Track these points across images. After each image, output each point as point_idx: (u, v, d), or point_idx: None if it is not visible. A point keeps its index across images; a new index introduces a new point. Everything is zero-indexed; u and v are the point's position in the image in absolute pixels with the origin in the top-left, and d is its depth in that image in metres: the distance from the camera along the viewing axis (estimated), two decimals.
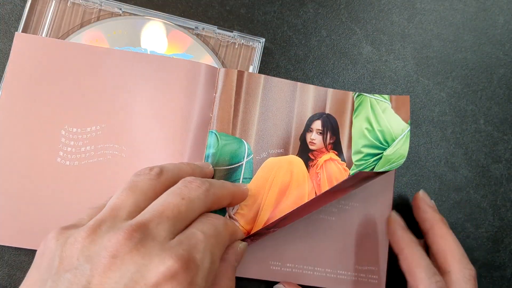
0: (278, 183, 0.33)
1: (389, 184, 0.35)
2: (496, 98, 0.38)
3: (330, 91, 0.35)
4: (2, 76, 0.32)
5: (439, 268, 0.29)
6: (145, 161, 0.32)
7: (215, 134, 0.33)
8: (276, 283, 0.33)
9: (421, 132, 0.37)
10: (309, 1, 0.38)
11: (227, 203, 0.30)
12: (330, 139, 0.34)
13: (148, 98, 0.33)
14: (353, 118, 0.35)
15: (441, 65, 0.38)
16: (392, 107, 0.35)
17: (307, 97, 0.35)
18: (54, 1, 0.34)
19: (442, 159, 0.37)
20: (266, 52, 0.37)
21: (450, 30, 0.39)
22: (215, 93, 0.34)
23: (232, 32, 0.36)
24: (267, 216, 0.32)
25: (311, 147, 0.34)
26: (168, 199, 0.24)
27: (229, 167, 0.33)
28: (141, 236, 0.21)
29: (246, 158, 0.33)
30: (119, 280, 0.19)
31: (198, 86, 0.33)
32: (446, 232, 0.30)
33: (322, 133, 0.34)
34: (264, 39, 0.36)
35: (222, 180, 0.31)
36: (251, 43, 0.36)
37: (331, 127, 0.34)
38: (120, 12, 0.35)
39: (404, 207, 0.36)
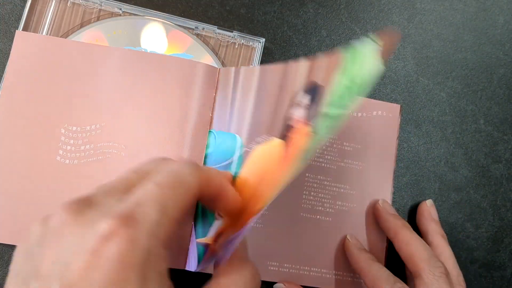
0: (259, 173, 0.31)
1: (388, 185, 0.35)
2: (496, 98, 0.38)
3: (321, 58, 0.31)
4: (2, 76, 0.32)
5: (412, 273, 0.30)
6: (145, 160, 0.32)
7: (213, 133, 0.33)
8: (275, 282, 0.33)
9: (421, 132, 0.37)
10: (309, 1, 0.38)
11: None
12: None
13: (147, 96, 0.33)
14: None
15: (441, 65, 0.38)
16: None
17: (298, 73, 0.32)
18: (54, 1, 0.34)
19: (442, 159, 0.37)
20: (266, 52, 0.37)
21: (450, 30, 0.39)
22: (215, 93, 0.34)
23: (232, 32, 0.36)
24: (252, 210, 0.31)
25: (289, 122, 0.31)
26: (120, 176, 0.22)
27: (223, 164, 0.32)
28: (82, 207, 0.19)
29: (238, 153, 0.32)
30: (60, 255, 0.18)
31: (196, 86, 0.33)
32: (410, 237, 0.31)
33: (300, 104, 0.31)
34: (264, 39, 0.36)
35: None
36: (251, 43, 0.36)
37: (314, 96, 0.31)
38: (120, 12, 0.35)
39: (401, 208, 0.36)
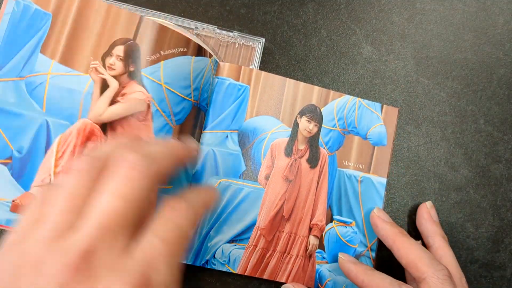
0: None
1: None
2: (496, 98, 0.38)
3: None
4: None
5: (415, 279, 0.30)
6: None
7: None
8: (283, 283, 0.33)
9: (421, 132, 0.37)
10: (309, 1, 0.38)
11: (175, 168, 0.26)
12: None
13: None
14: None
15: (441, 65, 0.38)
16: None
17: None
18: None
19: (442, 159, 0.37)
20: (266, 52, 0.37)
21: (450, 30, 0.39)
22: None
23: (232, 32, 0.36)
24: None
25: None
26: (110, 205, 0.20)
27: None
28: (90, 265, 0.19)
29: None
30: None
31: None
32: (409, 243, 0.31)
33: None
34: (264, 39, 0.36)
35: (163, 141, 0.27)
36: (251, 43, 0.36)
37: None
38: None
39: (401, 208, 0.36)
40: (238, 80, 0.35)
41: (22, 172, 0.30)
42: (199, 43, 0.35)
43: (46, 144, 0.30)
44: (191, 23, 0.35)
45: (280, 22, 0.37)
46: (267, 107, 0.35)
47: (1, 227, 0.30)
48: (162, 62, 0.32)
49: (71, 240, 0.20)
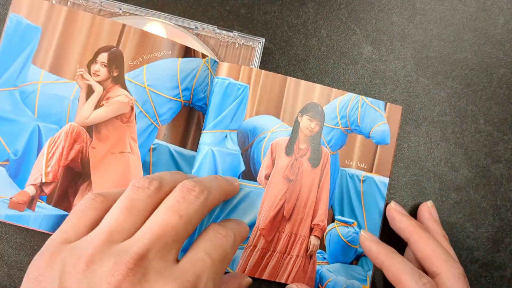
0: None
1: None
2: (496, 98, 0.38)
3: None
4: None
5: (428, 273, 0.30)
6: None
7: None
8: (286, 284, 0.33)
9: (421, 132, 0.37)
10: (309, 1, 0.38)
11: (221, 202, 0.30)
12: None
13: None
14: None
15: (441, 65, 0.38)
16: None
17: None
18: (54, 1, 0.34)
19: (442, 159, 0.37)
20: (266, 52, 0.37)
21: (450, 30, 0.39)
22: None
23: (232, 32, 0.36)
24: None
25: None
26: (166, 219, 0.23)
27: None
28: (143, 270, 0.20)
29: None
30: None
31: None
32: (427, 237, 0.31)
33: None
34: (264, 39, 0.36)
35: (214, 177, 0.30)
36: (251, 43, 0.36)
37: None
38: (120, 12, 0.35)
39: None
40: (238, 79, 0.35)
41: (18, 172, 0.32)
42: (197, 44, 0.35)
43: (38, 146, 0.33)
44: (191, 23, 0.35)
45: (280, 22, 0.37)
46: (267, 106, 0.35)
47: (1, 221, 0.32)
48: (145, 65, 0.34)
49: (126, 245, 0.21)
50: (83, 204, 0.25)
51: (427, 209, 0.34)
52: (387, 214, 0.34)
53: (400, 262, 0.29)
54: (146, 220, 0.23)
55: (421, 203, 0.35)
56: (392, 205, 0.34)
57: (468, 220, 0.37)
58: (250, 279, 0.30)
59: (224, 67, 0.35)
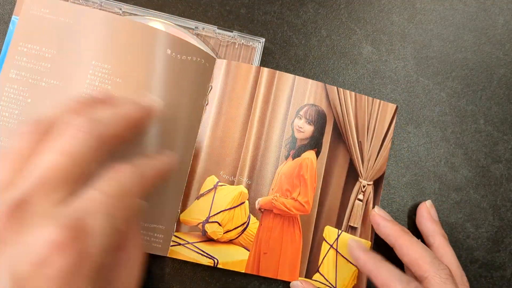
0: None
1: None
2: (496, 98, 0.38)
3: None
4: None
5: (417, 277, 0.30)
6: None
7: None
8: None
9: (421, 132, 0.37)
10: (309, 1, 0.38)
11: (128, 132, 0.24)
12: None
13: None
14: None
15: (441, 65, 0.38)
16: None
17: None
18: None
19: (442, 159, 0.37)
20: (266, 52, 0.37)
21: (450, 30, 0.39)
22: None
23: (232, 32, 0.36)
24: None
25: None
26: (48, 159, 0.20)
27: None
28: (22, 213, 0.19)
29: None
30: (7, 262, 0.18)
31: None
32: (410, 241, 0.31)
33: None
34: (264, 39, 0.36)
35: (114, 101, 0.25)
36: (251, 43, 0.36)
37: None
38: (120, 12, 0.35)
39: (401, 208, 0.36)
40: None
41: None
42: (197, 44, 0.35)
43: None
44: (191, 23, 0.35)
45: (280, 22, 0.37)
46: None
47: None
48: None
49: (8, 194, 0.20)
50: None
51: (426, 209, 0.34)
52: (371, 219, 0.34)
53: (387, 270, 0.29)
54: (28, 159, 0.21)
55: (421, 203, 0.35)
56: (376, 210, 0.34)
57: (468, 220, 0.37)
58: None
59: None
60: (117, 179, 0.22)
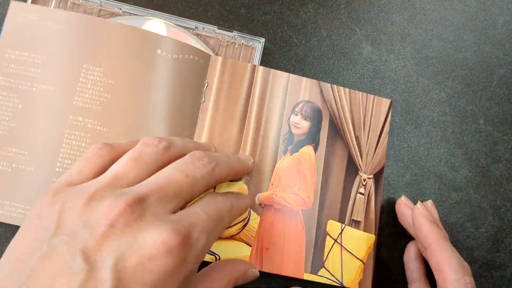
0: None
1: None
2: (496, 98, 0.38)
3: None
4: None
5: (437, 281, 0.29)
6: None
7: None
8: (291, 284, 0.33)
9: (421, 132, 0.37)
10: (309, 1, 0.38)
11: (230, 179, 0.31)
12: None
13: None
14: None
15: (441, 65, 0.38)
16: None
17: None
18: (54, 1, 0.34)
19: (442, 159, 0.37)
20: (266, 52, 0.37)
21: (450, 30, 0.39)
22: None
23: (232, 32, 0.36)
24: None
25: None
26: (172, 175, 0.24)
27: None
28: (141, 210, 0.21)
29: None
30: (116, 249, 0.19)
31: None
32: (444, 249, 0.29)
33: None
34: (264, 39, 0.36)
35: (227, 155, 0.30)
36: (251, 43, 0.36)
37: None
38: (120, 12, 0.35)
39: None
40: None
41: None
42: (197, 44, 0.35)
43: None
44: (191, 23, 0.35)
45: (280, 22, 0.37)
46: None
47: (1, 221, 0.32)
48: None
49: (128, 189, 0.22)
50: (90, 151, 0.25)
51: (403, 204, 0.33)
52: (396, 208, 0.33)
53: (447, 252, 0.28)
54: (152, 175, 0.24)
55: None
56: (403, 199, 0.33)
57: (468, 220, 0.37)
58: (257, 271, 0.29)
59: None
60: (216, 204, 0.25)
